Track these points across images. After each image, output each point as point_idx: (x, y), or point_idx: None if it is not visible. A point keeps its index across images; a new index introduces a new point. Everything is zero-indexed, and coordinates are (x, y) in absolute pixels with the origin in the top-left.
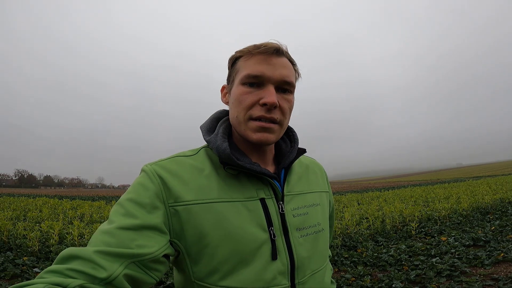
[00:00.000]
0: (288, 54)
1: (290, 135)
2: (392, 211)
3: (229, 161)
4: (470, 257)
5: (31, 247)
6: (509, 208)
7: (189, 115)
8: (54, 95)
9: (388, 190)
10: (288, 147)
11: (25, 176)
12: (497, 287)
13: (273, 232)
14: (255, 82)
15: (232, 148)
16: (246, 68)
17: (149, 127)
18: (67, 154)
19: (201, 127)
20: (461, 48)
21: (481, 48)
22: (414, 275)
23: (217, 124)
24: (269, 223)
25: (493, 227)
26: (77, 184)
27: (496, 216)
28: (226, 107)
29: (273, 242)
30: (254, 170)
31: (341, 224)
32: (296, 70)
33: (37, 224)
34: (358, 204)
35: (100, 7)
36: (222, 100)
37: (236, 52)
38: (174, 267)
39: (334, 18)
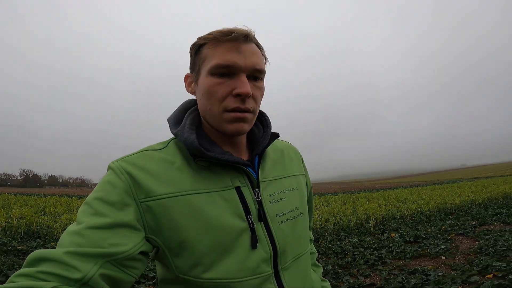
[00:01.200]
0: (256, 39)
1: (262, 120)
2: (362, 211)
3: (199, 153)
4: (398, 250)
5: (56, 234)
6: (473, 209)
7: None
8: (58, 97)
9: (379, 191)
10: (260, 133)
11: (30, 176)
12: (399, 275)
13: (251, 220)
14: (226, 72)
15: (202, 138)
16: (215, 57)
17: (153, 127)
18: (71, 154)
19: (168, 120)
20: (472, 49)
21: (492, 49)
22: (345, 262)
23: (184, 115)
24: (247, 211)
25: (443, 226)
26: (81, 183)
27: (455, 216)
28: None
29: (252, 230)
30: (225, 159)
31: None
32: (263, 55)
33: (57, 218)
34: (344, 204)
35: (99, 10)
36: (187, 90)
37: (199, 38)
38: (156, 263)
39: (333, 9)
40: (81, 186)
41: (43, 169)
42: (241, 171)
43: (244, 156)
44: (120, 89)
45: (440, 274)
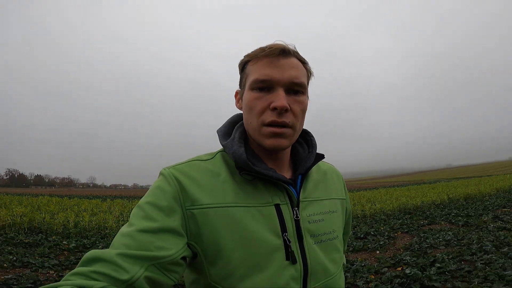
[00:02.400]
0: (297, 53)
1: (307, 139)
2: None
3: (246, 167)
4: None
5: (56, 230)
6: (431, 209)
7: (179, 119)
8: (42, 95)
9: (360, 191)
10: (305, 152)
11: (16, 175)
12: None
13: (287, 238)
14: (264, 86)
15: (249, 153)
16: (254, 73)
17: (140, 128)
18: (57, 153)
19: (218, 131)
20: (454, 48)
21: (475, 49)
22: None
23: (233, 128)
24: (283, 229)
25: (396, 225)
26: (68, 183)
27: (411, 216)
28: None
29: (288, 247)
30: (269, 175)
31: None
32: (307, 69)
33: (54, 215)
34: None
35: (95, 9)
36: (236, 105)
37: (245, 56)
38: (188, 269)
39: (324, 11)
40: (68, 186)
41: (28, 169)
42: (282, 188)
43: (287, 174)
44: (106, 88)
45: (363, 264)
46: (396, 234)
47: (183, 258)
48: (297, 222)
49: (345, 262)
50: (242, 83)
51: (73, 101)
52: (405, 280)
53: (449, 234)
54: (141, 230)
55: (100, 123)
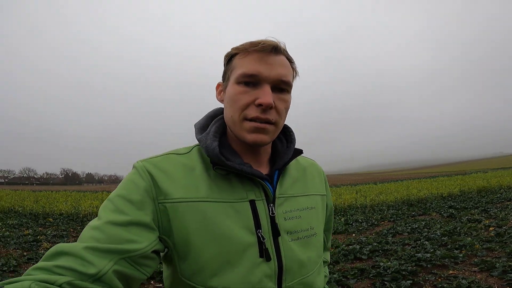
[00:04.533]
0: (286, 52)
1: (287, 134)
2: (334, 200)
3: (218, 161)
4: (334, 228)
5: None
6: (433, 201)
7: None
8: (88, 98)
9: (384, 183)
10: (283, 148)
11: (70, 174)
12: None
13: (261, 235)
14: (251, 81)
15: (224, 147)
16: (242, 67)
17: (186, 122)
18: (104, 152)
19: (195, 125)
20: (499, 27)
21: None
22: None
23: (211, 122)
24: (257, 225)
25: (388, 214)
26: (115, 180)
27: (407, 207)
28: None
29: (262, 244)
30: (243, 171)
31: None
32: (293, 69)
33: None
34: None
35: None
36: (217, 98)
37: (232, 49)
38: (163, 263)
39: (342, 9)
40: (115, 183)
41: (80, 168)
42: (258, 184)
43: (264, 170)
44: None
45: (332, 242)
46: (382, 222)
47: (155, 252)
48: (272, 219)
49: (328, 260)
50: (226, 76)
51: (116, 100)
52: (347, 252)
53: (422, 224)
54: (111, 223)
55: (142, 121)
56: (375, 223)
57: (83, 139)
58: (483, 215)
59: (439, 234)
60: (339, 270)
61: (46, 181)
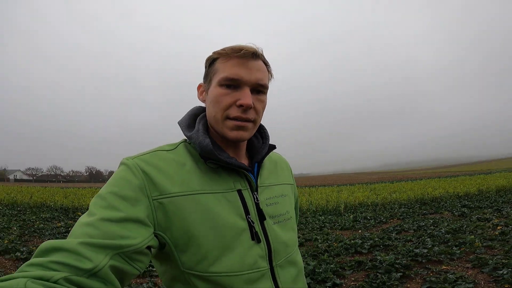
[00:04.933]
0: (263, 56)
1: (261, 132)
2: (334, 198)
3: (211, 156)
4: (342, 224)
5: None
6: (447, 200)
7: None
8: (99, 102)
9: (400, 182)
10: (260, 143)
11: (94, 172)
12: (319, 235)
13: (250, 220)
14: (232, 84)
15: (212, 143)
16: (224, 71)
17: None
18: (126, 150)
19: (179, 123)
20: None
21: None
22: (298, 227)
23: (195, 120)
24: (246, 212)
25: (399, 213)
26: None
27: (420, 206)
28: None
29: (252, 228)
30: (232, 164)
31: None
32: (269, 71)
33: None
34: (339, 192)
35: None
36: (198, 98)
37: (214, 53)
38: (157, 261)
39: (362, 3)
40: None
41: (103, 166)
42: (243, 175)
43: (245, 163)
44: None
45: (337, 237)
46: (391, 220)
47: (148, 248)
48: (257, 205)
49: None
50: (208, 78)
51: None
52: (349, 246)
53: (429, 222)
54: (104, 219)
55: (157, 121)
56: (384, 220)
57: (106, 138)
58: (495, 214)
59: (443, 231)
60: (338, 262)
61: (72, 178)
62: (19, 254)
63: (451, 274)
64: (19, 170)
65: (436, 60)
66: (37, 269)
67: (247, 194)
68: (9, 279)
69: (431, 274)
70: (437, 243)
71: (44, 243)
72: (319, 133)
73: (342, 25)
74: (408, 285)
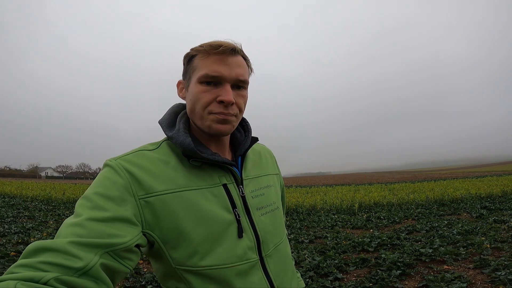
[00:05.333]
0: (242, 52)
1: (244, 125)
2: (350, 197)
3: (193, 155)
4: (354, 223)
5: None
6: (468, 201)
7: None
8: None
9: (421, 182)
10: (242, 136)
11: None
12: (329, 233)
13: (237, 213)
14: (212, 81)
15: (194, 141)
16: (204, 68)
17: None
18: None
19: (160, 122)
20: None
21: None
22: (310, 225)
23: (176, 118)
24: (233, 205)
25: (414, 214)
26: None
27: (444, 207)
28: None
29: (238, 221)
30: (216, 160)
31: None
32: (249, 66)
33: None
34: (356, 191)
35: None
36: (178, 95)
37: (192, 49)
38: (150, 258)
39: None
40: None
41: None
42: (227, 170)
43: (228, 157)
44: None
45: (346, 235)
46: (405, 220)
47: (137, 246)
48: (243, 198)
49: (286, 232)
50: (187, 75)
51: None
52: (356, 244)
53: (444, 223)
54: (91, 219)
55: None
56: (397, 221)
57: (130, 135)
58: None
59: (455, 232)
60: (344, 258)
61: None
62: None
63: (450, 273)
64: (50, 168)
65: (465, 56)
66: (26, 270)
67: (232, 188)
68: None
69: (431, 273)
70: (445, 244)
71: (31, 243)
72: (343, 131)
73: (374, 25)
74: (406, 283)
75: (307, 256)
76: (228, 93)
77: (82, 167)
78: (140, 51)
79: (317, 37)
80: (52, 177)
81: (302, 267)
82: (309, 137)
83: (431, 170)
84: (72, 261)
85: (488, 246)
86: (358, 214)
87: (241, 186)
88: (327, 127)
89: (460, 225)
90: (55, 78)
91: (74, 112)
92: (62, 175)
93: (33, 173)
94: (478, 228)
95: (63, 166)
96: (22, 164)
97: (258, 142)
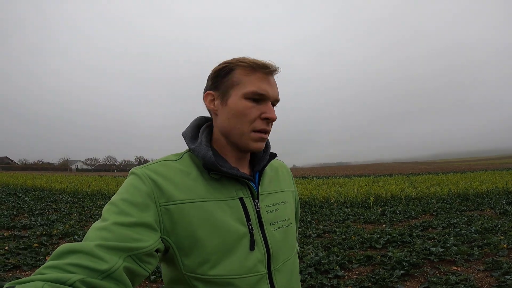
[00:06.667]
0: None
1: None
2: (377, 189)
3: (214, 168)
4: (367, 217)
5: None
6: (493, 196)
7: None
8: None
9: (446, 174)
10: (261, 153)
11: (142, 161)
12: (339, 227)
13: (251, 226)
14: (259, 98)
15: (215, 155)
16: (250, 85)
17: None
18: (171, 139)
19: (183, 135)
20: None
21: None
22: (321, 219)
23: (198, 131)
24: (248, 218)
25: (433, 208)
26: None
27: (461, 201)
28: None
29: (251, 234)
30: (234, 174)
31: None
32: None
33: None
34: (374, 183)
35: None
36: (208, 107)
37: (230, 63)
38: (162, 263)
39: None
40: None
41: (150, 155)
42: (245, 184)
43: (247, 171)
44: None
45: (356, 230)
46: (423, 215)
47: (157, 251)
48: (258, 212)
49: (298, 248)
50: (223, 87)
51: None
52: (364, 240)
53: (463, 219)
54: (117, 224)
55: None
56: (414, 215)
57: (153, 129)
58: None
59: (472, 230)
60: (348, 255)
61: (124, 167)
62: (76, 237)
63: (456, 275)
64: (80, 161)
65: (494, 43)
66: (54, 271)
67: (248, 202)
68: (27, 281)
69: (438, 274)
70: (460, 243)
71: (60, 246)
72: (367, 120)
73: (389, 10)
74: (408, 284)
75: (310, 252)
76: (272, 111)
77: (109, 159)
78: (162, 44)
79: (331, 23)
80: (82, 170)
81: (304, 262)
82: (329, 129)
83: (458, 161)
84: (98, 263)
85: (505, 246)
86: (373, 208)
87: (257, 201)
88: (349, 118)
89: (480, 222)
90: (78, 77)
91: (100, 110)
92: (90, 168)
93: (64, 166)
94: (499, 226)
95: (91, 159)
96: (54, 158)
97: (276, 158)
